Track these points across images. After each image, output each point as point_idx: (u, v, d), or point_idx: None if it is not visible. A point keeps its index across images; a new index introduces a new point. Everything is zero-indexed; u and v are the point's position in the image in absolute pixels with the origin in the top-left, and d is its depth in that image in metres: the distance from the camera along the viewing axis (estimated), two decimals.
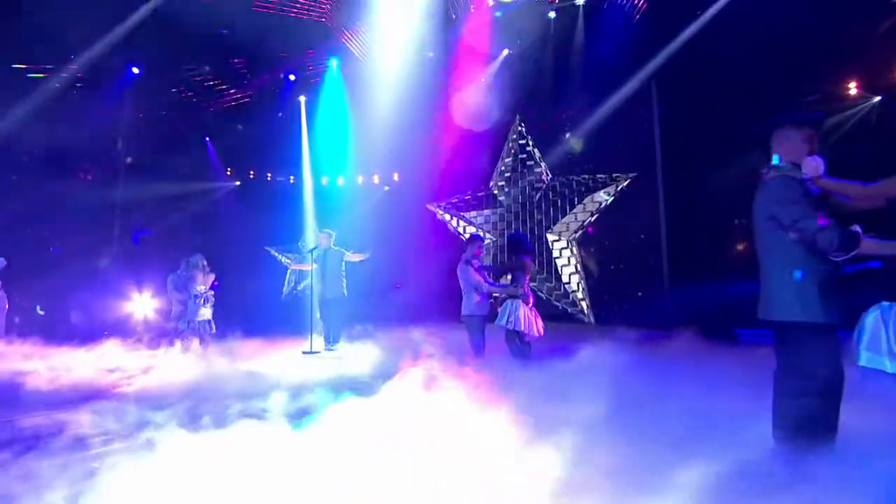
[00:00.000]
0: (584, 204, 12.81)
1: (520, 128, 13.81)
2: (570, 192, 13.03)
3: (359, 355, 8.68)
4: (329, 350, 8.64)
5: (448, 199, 14.49)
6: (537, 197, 13.46)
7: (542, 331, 7.39)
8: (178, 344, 9.07)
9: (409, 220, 14.62)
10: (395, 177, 15.84)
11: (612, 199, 12.60)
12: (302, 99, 15.22)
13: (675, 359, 7.41)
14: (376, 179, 16.15)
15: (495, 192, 14.07)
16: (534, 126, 13.66)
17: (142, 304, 13.55)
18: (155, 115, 14.56)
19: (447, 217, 14.53)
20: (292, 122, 15.11)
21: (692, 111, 11.44)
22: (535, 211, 13.43)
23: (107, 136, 14.01)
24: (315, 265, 9.35)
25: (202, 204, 15.37)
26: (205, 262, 8.94)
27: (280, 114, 14.93)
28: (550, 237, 13.06)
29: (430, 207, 14.65)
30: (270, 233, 16.19)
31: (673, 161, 12.06)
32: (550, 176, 13.37)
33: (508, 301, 7.25)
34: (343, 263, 9.16)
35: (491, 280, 7.65)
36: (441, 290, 14.12)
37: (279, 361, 8.29)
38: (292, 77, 14.27)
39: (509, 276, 7.52)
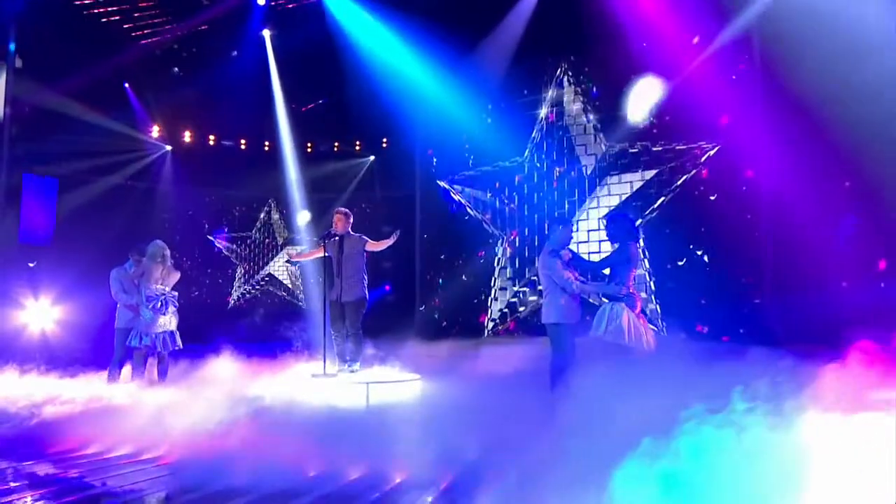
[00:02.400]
0: (653, 182, 10.60)
1: (565, 80, 11.45)
2: (634, 167, 10.79)
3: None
4: (349, 372, 7.38)
5: (467, 172, 12.15)
6: (589, 171, 11.19)
7: (653, 343, 6.25)
8: (125, 372, 7.75)
9: (407, 201, 12.32)
10: (384, 143, 13.40)
11: (691, 175, 10.38)
12: (266, 34, 12.27)
13: None
14: (358, 146, 13.52)
15: (530, 164, 11.69)
16: (586, 78, 11.32)
17: (39, 315, 10.96)
18: (53, 49, 11.20)
19: (462, 196, 12.25)
20: (250, 65, 12.32)
21: (810, 61, 9.29)
22: (587, 190, 11.19)
23: None
24: (326, 255, 7.74)
25: (119, 176, 12.66)
26: (166, 253, 7.75)
27: (235, 53, 11.92)
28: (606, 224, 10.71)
29: (443, 184, 12.32)
30: (213, 216, 13.78)
31: (778, 126, 9.87)
32: (607, 145, 11.05)
33: (607, 305, 6.20)
34: (364, 255, 7.70)
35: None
36: (457, 294, 11.87)
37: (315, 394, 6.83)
38: (261, 1, 11.21)
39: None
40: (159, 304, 7.52)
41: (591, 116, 11.22)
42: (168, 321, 7.60)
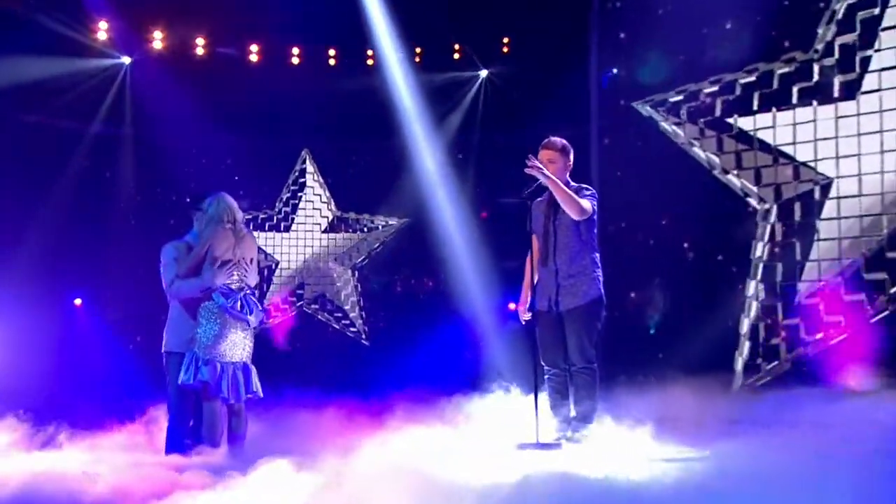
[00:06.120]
0: None
1: None
2: None
3: None
4: (576, 441, 5.35)
5: (695, 87, 8.44)
6: None
7: None
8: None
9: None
10: (505, 45, 10.44)
11: None
12: None
13: None
14: (457, 52, 10.56)
15: (818, 66, 7.57)
16: None
17: None
18: None
19: (682, 132, 8.47)
20: None
21: None
22: None
23: None
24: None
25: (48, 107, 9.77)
26: (238, 216, 5.84)
27: None
28: None
29: (645, 110, 8.84)
30: (202, 179, 10.03)
31: None
32: None
33: None
34: (595, 224, 5.71)
35: None
36: (678, 309, 8.19)
37: None
38: None
39: None
40: (238, 304, 5.74)
41: None
42: (243, 342, 5.70)
